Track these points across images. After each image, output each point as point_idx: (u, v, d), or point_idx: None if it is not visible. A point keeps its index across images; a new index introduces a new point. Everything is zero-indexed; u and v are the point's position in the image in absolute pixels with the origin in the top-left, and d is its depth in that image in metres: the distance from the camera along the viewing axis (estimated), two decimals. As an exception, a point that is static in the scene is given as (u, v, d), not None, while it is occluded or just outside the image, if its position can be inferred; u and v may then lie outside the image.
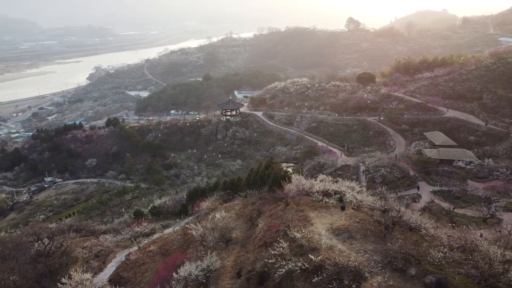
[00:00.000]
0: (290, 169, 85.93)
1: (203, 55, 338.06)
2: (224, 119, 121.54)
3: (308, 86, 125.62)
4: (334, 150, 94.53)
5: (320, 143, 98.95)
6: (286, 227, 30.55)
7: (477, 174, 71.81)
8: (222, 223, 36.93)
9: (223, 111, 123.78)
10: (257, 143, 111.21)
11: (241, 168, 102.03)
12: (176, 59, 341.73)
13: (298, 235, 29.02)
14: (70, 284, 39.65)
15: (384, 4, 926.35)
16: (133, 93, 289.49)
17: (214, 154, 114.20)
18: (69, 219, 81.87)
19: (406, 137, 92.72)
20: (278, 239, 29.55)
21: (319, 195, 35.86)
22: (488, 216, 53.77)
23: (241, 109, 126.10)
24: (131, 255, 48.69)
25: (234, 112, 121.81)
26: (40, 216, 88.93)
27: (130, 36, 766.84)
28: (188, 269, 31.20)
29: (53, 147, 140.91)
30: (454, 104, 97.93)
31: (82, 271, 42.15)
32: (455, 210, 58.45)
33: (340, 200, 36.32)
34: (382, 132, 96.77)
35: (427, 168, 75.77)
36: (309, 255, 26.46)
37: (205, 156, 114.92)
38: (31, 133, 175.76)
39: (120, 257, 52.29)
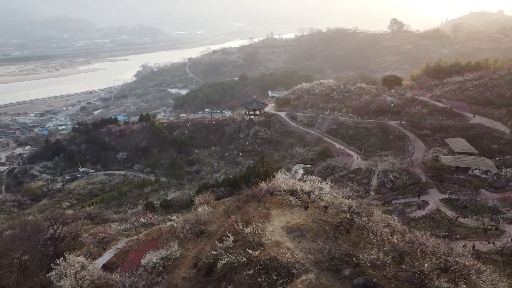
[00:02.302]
0: (301, 170, 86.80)
1: (243, 55, 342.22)
2: (247, 118, 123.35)
3: (333, 87, 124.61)
4: (351, 153, 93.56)
5: (338, 145, 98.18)
6: (236, 223, 31.53)
7: (492, 184, 68.64)
8: (193, 217, 38.50)
9: (247, 110, 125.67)
10: (277, 143, 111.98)
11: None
12: (217, 58, 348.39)
13: (247, 230, 29.98)
14: (63, 266, 42.63)
15: (437, 5, 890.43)
16: (173, 90, 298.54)
17: (235, 152, 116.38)
18: (91, 208, 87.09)
19: (426, 143, 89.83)
20: (228, 232, 30.70)
21: (286, 193, 36.52)
22: (490, 227, 51.60)
23: (266, 109, 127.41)
24: (125, 243, 51.55)
25: (257, 112, 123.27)
26: (66, 203, 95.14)
27: (178, 36, 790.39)
28: (149, 257, 33.12)
29: (90, 139, 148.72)
30: (481, 110, 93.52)
31: (75, 255, 45.05)
32: (460, 219, 56.56)
33: (313, 201, 36.89)
34: (402, 136, 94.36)
35: (440, 175, 73.39)
36: (247, 249, 27.43)
37: (227, 154, 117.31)
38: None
39: (120, 244, 55.23)
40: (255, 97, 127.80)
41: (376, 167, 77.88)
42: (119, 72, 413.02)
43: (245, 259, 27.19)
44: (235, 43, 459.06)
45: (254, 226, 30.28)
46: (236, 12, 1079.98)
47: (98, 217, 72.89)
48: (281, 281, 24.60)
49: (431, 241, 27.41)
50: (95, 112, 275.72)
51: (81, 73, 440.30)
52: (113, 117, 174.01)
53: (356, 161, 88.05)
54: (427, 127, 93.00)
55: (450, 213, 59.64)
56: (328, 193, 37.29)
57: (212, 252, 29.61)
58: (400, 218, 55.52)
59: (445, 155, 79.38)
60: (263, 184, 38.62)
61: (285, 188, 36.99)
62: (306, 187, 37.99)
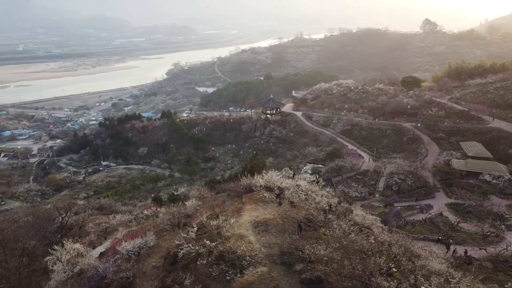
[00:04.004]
0: (310, 170, 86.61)
1: (271, 55, 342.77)
2: (264, 117, 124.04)
3: (351, 88, 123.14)
4: (363, 154, 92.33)
5: (350, 146, 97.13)
6: (201, 215, 32.41)
7: (503, 190, 66.26)
8: (175, 209, 39.73)
9: (263, 109, 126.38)
10: (291, 143, 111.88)
11: (270, 165, 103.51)
12: (245, 58, 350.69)
13: (213, 223, 30.81)
14: (60, 252, 44.95)
15: (482, 5, 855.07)
16: (201, 89, 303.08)
17: (250, 150, 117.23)
18: (105, 199, 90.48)
19: (441, 146, 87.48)
20: (193, 224, 31.63)
21: (262, 189, 37.05)
22: (489, 233, 50.06)
23: (284, 109, 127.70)
24: (121, 233, 53.48)
25: (274, 111, 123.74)
26: (83, 194, 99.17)
27: (210, 35, 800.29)
28: (124, 245, 34.58)
29: (114, 134, 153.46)
30: (502, 114, 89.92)
31: (73, 242, 47.33)
32: (461, 224, 55.21)
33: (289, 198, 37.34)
34: (416, 139, 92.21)
35: (449, 179, 71.44)
36: (205, 240, 28.26)
37: (241, 152, 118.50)
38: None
39: (120, 234, 57.32)
40: (271, 96, 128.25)
41: (384, 169, 76.71)
42: (151, 70, 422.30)
43: (203, 249, 28.01)
44: (265, 43, 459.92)
45: (220, 219, 31.06)
46: (268, 12, 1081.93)
47: (108, 208, 75.74)
48: (230, 272, 25.26)
49: (386, 239, 27.21)
50: (126, 109, 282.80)
51: (116, 71, 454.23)
52: (141, 114, 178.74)
53: (367, 162, 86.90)
54: (443, 130, 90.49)
55: (453, 217, 58.23)
56: (305, 190, 37.46)
57: (176, 242, 30.65)
58: (395, 220, 55.02)
59: (458, 159, 77.18)
60: (243, 180, 39.38)
61: (262, 184, 37.49)
62: (284, 184, 38.32)
